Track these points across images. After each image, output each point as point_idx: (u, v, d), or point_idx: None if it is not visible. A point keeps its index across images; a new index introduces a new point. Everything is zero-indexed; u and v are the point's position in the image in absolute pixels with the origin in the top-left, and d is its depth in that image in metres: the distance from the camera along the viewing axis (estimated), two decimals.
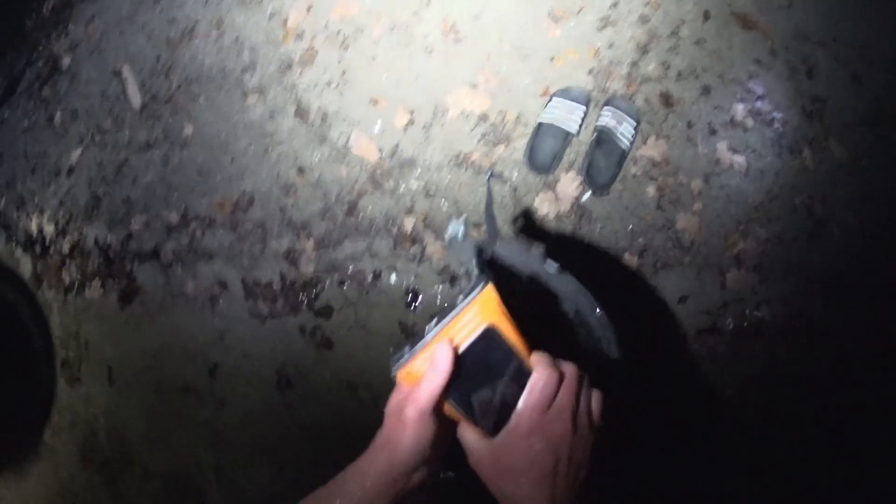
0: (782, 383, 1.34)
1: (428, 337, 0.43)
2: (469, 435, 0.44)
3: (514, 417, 0.43)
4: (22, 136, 1.75)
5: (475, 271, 0.46)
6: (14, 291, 1.51)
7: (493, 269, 0.72)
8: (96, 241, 1.46)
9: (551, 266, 0.64)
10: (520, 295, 0.46)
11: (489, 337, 0.43)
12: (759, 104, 1.46)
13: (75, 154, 1.59)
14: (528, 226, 1.28)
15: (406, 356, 0.43)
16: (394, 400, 0.45)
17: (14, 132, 1.78)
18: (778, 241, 1.41)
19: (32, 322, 1.45)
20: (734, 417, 1.33)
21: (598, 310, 0.63)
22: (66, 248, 1.53)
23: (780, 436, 1.31)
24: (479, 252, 0.70)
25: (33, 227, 1.62)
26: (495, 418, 0.44)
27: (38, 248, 1.59)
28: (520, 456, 0.42)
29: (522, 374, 0.44)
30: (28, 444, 1.45)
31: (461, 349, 0.43)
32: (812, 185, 1.42)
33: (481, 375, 0.44)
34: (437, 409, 0.43)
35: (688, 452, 1.26)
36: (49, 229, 1.57)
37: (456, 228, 0.71)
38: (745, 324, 1.38)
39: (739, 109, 1.45)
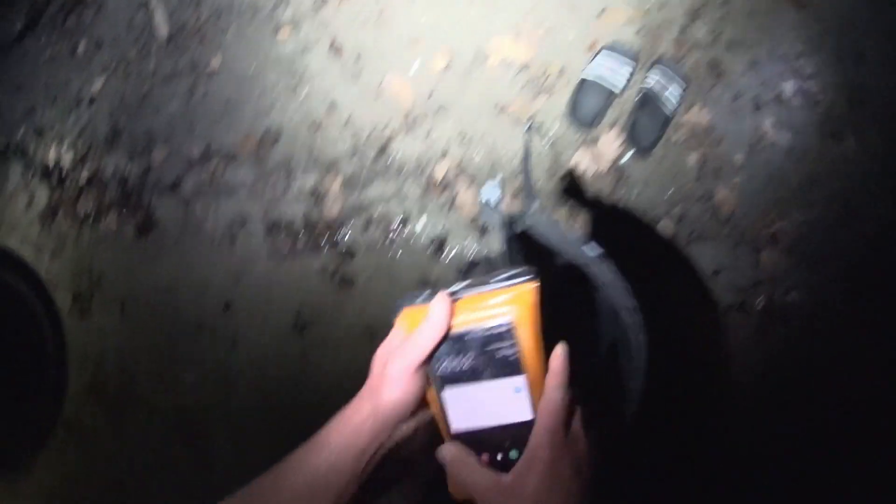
0: (804, 374, 1.30)
1: (453, 287, 0.39)
2: (476, 475, 0.40)
3: (534, 444, 0.39)
4: (43, 67, 1.71)
5: (516, 269, 0.40)
6: (30, 290, 1.46)
7: (524, 243, 0.66)
8: (115, 172, 1.42)
9: (593, 249, 0.57)
10: (550, 274, 0.40)
11: (505, 334, 0.38)
12: (806, 85, 1.40)
13: (98, 84, 1.54)
14: (565, 183, 1.23)
15: (418, 300, 0.40)
16: (382, 349, 0.43)
17: (35, 63, 1.73)
18: (814, 227, 1.36)
19: (47, 323, 1.41)
20: (750, 403, 1.29)
21: (634, 311, 0.56)
22: (83, 178, 1.49)
23: (794, 431, 1.26)
24: (510, 225, 0.64)
25: (51, 157, 1.58)
26: (502, 443, 0.40)
27: (54, 179, 1.56)
28: (548, 489, 0.38)
29: (518, 389, 0.39)
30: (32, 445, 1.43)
31: (469, 329, 0.39)
32: (852, 175, 1.37)
33: (474, 369, 0.39)
34: (425, 365, 0.40)
35: (697, 442, 1.21)
36: (67, 159, 1.54)
37: (491, 191, 0.65)
38: (775, 307, 1.34)
39: (786, 87, 1.39)
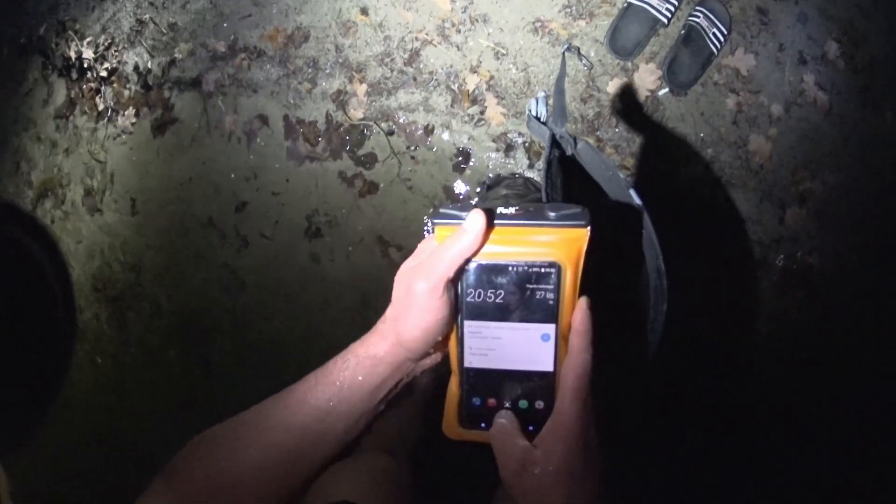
0: (818, 339, 1.28)
1: (499, 210, 0.35)
2: (505, 436, 0.36)
3: (563, 409, 0.35)
4: None
5: (570, 208, 0.35)
6: (37, 244, 1.41)
7: (566, 166, 0.61)
8: (136, 67, 1.39)
9: (637, 198, 0.53)
10: (594, 211, 0.36)
11: (547, 276, 0.35)
12: (852, 49, 1.35)
13: None
14: (597, 109, 1.18)
15: (451, 218, 0.35)
16: (406, 265, 0.38)
17: None
18: (844, 192, 1.33)
19: (53, 274, 1.37)
20: (762, 360, 1.27)
21: (662, 275, 0.52)
22: (103, 73, 1.45)
23: (803, 395, 1.24)
24: (557, 145, 0.60)
25: (72, 52, 1.54)
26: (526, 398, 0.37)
27: (74, 74, 1.52)
28: (578, 459, 0.35)
29: (545, 337, 0.36)
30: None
31: (508, 261, 0.35)
32: (887, 147, 1.33)
33: (504, 306, 0.36)
34: (454, 284, 0.36)
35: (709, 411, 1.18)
36: (88, 54, 1.49)
37: (538, 106, 0.62)
38: (795, 266, 1.31)
39: (833, 48, 1.34)
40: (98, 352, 1.40)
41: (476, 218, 0.34)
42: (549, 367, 0.36)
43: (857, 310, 1.27)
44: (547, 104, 0.63)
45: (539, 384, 0.37)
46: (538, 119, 0.62)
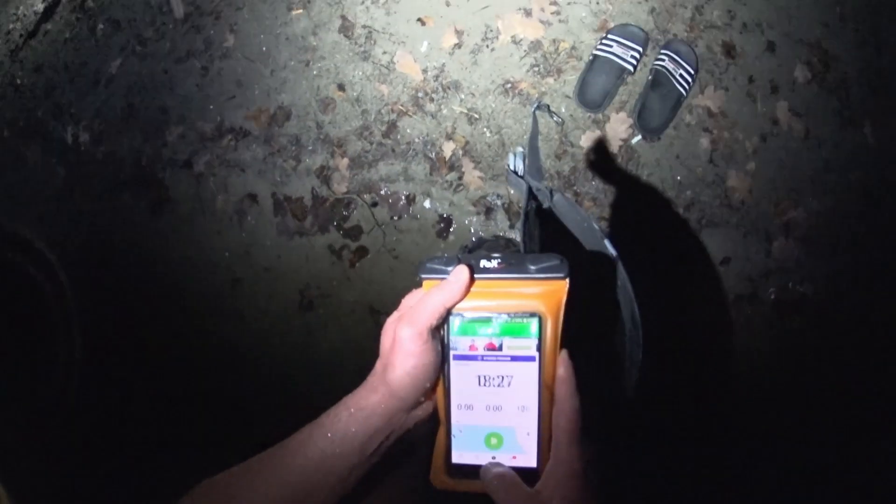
0: (816, 367, 1.27)
1: (482, 263, 0.38)
2: (507, 485, 0.38)
3: (560, 453, 0.37)
4: (63, 48, 1.73)
5: (549, 259, 0.38)
6: (37, 268, 1.45)
7: (543, 218, 0.64)
8: (130, 150, 1.44)
9: (611, 248, 0.55)
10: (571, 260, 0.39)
11: (528, 327, 0.37)
12: (823, 69, 1.36)
13: (115, 64, 1.56)
14: (572, 163, 1.21)
15: (438, 271, 0.38)
16: (392, 317, 0.40)
17: (56, 44, 1.76)
18: (830, 216, 1.33)
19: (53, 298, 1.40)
20: (758, 396, 1.27)
21: (637, 325, 0.54)
22: (99, 156, 1.51)
23: (802, 427, 1.23)
24: (534, 197, 0.63)
25: (69, 136, 1.60)
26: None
27: (72, 157, 1.58)
28: (583, 499, 0.37)
29: (531, 388, 0.38)
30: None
31: (490, 314, 0.38)
32: (870, 163, 1.33)
33: (488, 353, 0.38)
34: (435, 333, 0.38)
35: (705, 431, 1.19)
36: (84, 138, 1.56)
37: (516, 161, 0.65)
38: (787, 297, 1.31)
39: (804, 71, 1.35)
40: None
41: (460, 271, 0.37)
42: (534, 413, 0.38)
43: (855, 333, 1.27)
44: (524, 159, 0.66)
45: (524, 430, 0.39)
46: (515, 173, 0.65)
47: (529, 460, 0.39)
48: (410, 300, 0.40)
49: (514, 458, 0.39)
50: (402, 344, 0.37)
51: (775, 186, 1.30)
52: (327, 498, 0.40)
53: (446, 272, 0.37)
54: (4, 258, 1.42)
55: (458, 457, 0.40)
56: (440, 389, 0.40)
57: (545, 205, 0.64)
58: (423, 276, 0.39)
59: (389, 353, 0.38)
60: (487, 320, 0.37)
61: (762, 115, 1.31)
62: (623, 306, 0.57)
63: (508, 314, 0.37)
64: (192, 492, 0.42)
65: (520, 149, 0.67)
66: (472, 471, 0.39)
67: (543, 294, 0.37)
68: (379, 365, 0.40)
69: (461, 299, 0.37)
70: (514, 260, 0.38)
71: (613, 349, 0.60)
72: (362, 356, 1.19)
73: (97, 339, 1.45)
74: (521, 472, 0.38)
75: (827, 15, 1.33)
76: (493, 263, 0.38)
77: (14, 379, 1.30)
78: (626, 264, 0.54)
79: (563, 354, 0.38)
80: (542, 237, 0.64)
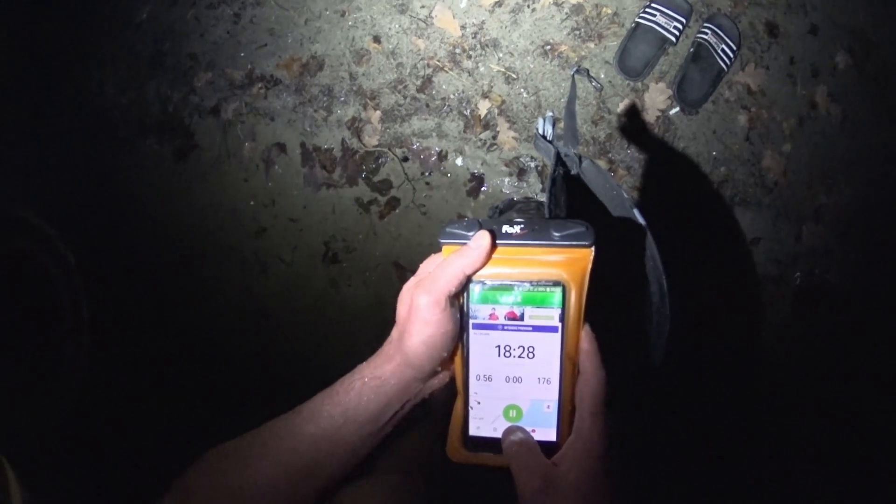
0: (838, 357, 1.26)
1: (504, 229, 0.36)
2: (526, 454, 0.36)
3: (582, 427, 0.36)
4: None
5: (574, 226, 0.36)
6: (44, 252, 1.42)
7: (571, 184, 0.62)
8: (156, 96, 1.42)
9: (640, 218, 0.53)
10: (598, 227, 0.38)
11: (551, 295, 0.35)
12: (864, 57, 1.33)
13: (144, 10, 1.53)
14: (608, 130, 1.19)
15: (460, 236, 0.36)
16: (409, 283, 0.38)
17: None
18: (861, 205, 1.31)
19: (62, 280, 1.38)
20: (779, 381, 1.26)
21: (664, 297, 0.52)
22: (125, 101, 1.48)
23: (821, 415, 1.23)
24: (562, 163, 0.61)
25: (94, 80, 1.58)
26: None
27: (97, 101, 1.56)
28: (601, 476, 0.36)
29: (553, 359, 0.37)
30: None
31: (512, 281, 0.36)
32: None
33: (509, 321, 0.36)
34: (454, 300, 0.36)
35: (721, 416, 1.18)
36: (110, 83, 1.53)
37: (545, 125, 0.63)
38: (813, 283, 1.29)
39: (845, 58, 1.33)
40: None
41: (481, 236, 0.35)
42: (555, 386, 0.37)
43: (877, 325, 1.26)
44: (554, 123, 0.64)
45: (544, 403, 0.37)
46: (544, 137, 0.64)
47: (549, 434, 0.37)
48: (429, 265, 0.39)
49: (534, 431, 0.38)
50: (419, 311, 0.35)
51: (809, 170, 1.28)
52: (339, 466, 0.40)
53: (467, 237, 0.35)
54: (7, 244, 1.41)
55: (475, 429, 0.38)
56: (458, 359, 0.38)
57: (573, 171, 0.62)
58: (443, 240, 0.37)
59: (406, 321, 0.37)
60: (509, 288, 0.36)
61: (801, 98, 1.29)
62: (651, 278, 0.55)
63: (531, 282, 0.35)
64: (202, 457, 0.41)
65: (549, 113, 0.65)
66: (490, 444, 0.38)
67: (568, 262, 0.35)
68: (395, 332, 0.38)
69: (482, 266, 0.35)
70: (538, 226, 0.36)
71: (640, 321, 0.59)
72: (385, 312, 1.18)
73: (112, 294, 1.45)
74: (541, 445, 0.37)
75: (872, 2, 1.30)
76: (516, 229, 0.36)
77: (22, 360, 1.30)
78: (657, 236, 0.52)
79: (587, 327, 0.36)
80: (568, 203, 0.63)
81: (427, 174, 1.17)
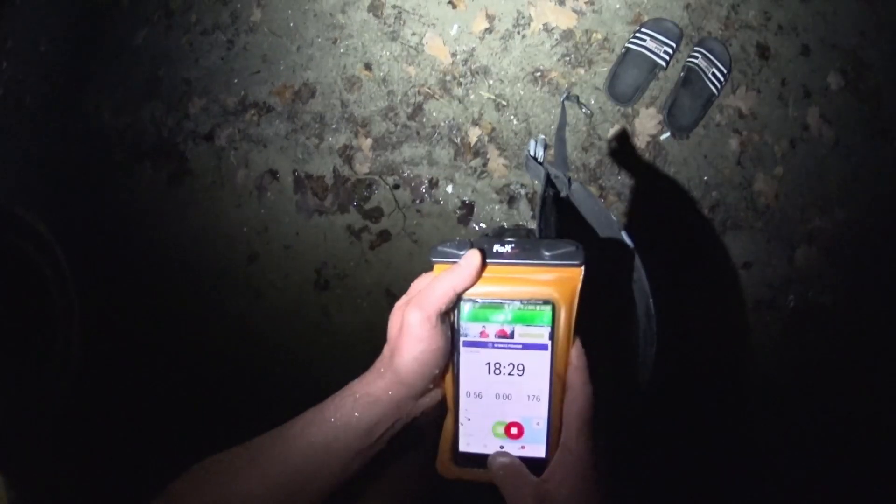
0: (833, 381, 1.25)
1: (495, 248, 0.36)
2: (514, 474, 0.37)
3: (570, 442, 0.36)
4: (87, 17, 1.71)
5: (565, 246, 0.37)
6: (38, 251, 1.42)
7: (560, 206, 0.63)
8: (152, 119, 1.43)
9: (629, 240, 0.54)
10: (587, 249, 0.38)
11: (541, 314, 0.36)
12: (857, 78, 1.33)
13: (140, 35, 1.54)
14: (599, 156, 1.19)
15: (450, 256, 0.37)
16: (400, 301, 0.39)
17: (79, 12, 1.74)
18: (855, 227, 1.31)
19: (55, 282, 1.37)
20: (773, 405, 1.25)
21: (651, 318, 0.52)
22: (120, 126, 1.49)
23: (817, 438, 1.21)
24: (552, 185, 0.61)
25: (90, 105, 1.59)
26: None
27: (92, 125, 1.57)
28: (591, 491, 0.36)
29: (543, 377, 0.37)
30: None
31: (502, 300, 0.36)
32: None
33: (499, 340, 0.37)
34: (445, 318, 0.37)
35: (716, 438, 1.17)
36: (106, 107, 1.54)
37: (536, 147, 0.63)
38: (806, 307, 1.28)
39: (837, 79, 1.32)
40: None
41: (472, 255, 0.35)
42: (545, 403, 0.37)
43: (872, 349, 1.25)
44: (545, 146, 0.65)
45: (534, 420, 0.38)
46: (535, 159, 0.64)
47: (539, 451, 0.38)
48: (420, 284, 0.39)
49: (523, 448, 0.38)
50: (411, 328, 0.36)
51: (802, 193, 1.28)
52: (329, 482, 0.40)
53: (458, 256, 0.36)
54: (4, 241, 1.40)
55: (465, 445, 0.39)
56: (449, 376, 0.39)
57: (563, 193, 0.63)
58: (434, 259, 0.37)
59: (397, 338, 0.37)
60: (499, 306, 0.36)
61: (793, 120, 1.29)
62: (638, 300, 0.55)
63: (521, 301, 0.36)
64: (193, 468, 0.42)
65: (541, 136, 0.66)
66: (480, 460, 0.39)
67: (558, 281, 0.35)
68: (386, 350, 0.39)
69: (472, 284, 0.36)
70: (529, 245, 0.36)
71: (627, 343, 0.59)
72: (377, 339, 1.18)
73: (104, 315, 1.45)
74: (530, 462, 0.38)
75: (864, 22, 1.30)
76: (507, 248, 0.36)
77: (12, 361, 1.29)
78: (645, 259, 0.52)
79: (577, 343, 0.37)
80: (558, 225, 0.63)
81: (418, 202, 1.17)
